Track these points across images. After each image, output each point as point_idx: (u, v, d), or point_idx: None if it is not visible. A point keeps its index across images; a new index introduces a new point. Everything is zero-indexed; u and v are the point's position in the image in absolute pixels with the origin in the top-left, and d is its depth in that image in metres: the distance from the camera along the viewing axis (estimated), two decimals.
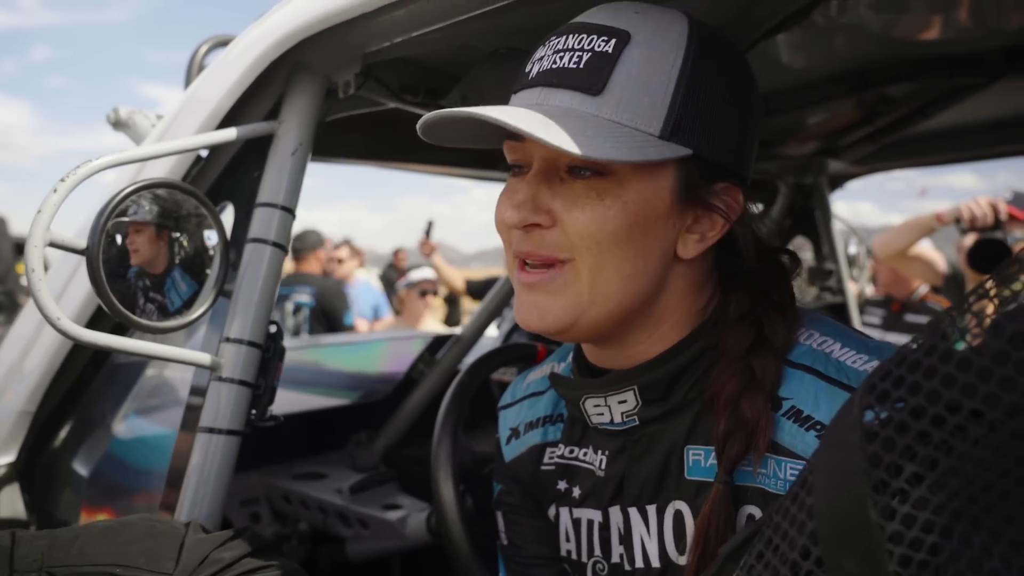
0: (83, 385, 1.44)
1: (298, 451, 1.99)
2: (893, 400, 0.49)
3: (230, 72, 1.15)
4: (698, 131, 0.77)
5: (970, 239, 2.73)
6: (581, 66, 0.75)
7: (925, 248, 3.23)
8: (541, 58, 0.80)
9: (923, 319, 3.43)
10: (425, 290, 4.95)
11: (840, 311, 2.62)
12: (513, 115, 0.71)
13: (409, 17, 1.01)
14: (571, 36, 0.78)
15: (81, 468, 1.43)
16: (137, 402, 1.49)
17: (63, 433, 1.47)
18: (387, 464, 1.97)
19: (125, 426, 1.46)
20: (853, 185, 2.71)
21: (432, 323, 5.09)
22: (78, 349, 1.36)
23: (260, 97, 1.18)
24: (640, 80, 0.75)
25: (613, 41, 0.75)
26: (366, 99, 1.25)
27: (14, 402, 1.38)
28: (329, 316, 5.11)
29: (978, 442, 0.46)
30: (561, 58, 0.77)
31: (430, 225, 5.48)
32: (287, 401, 2.13)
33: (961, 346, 0.47)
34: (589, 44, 0.76)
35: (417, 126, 0.81)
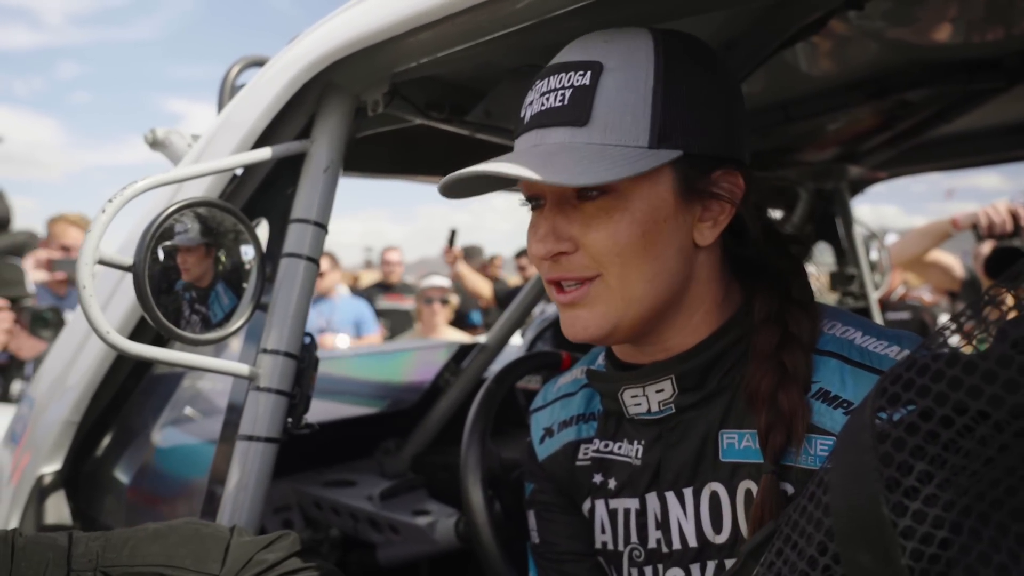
0: (124, 396, 1.50)
1: (328, 459, 2.03)
2: (903, 402, 0.51)
3: (264, 94, 1.20)
4: (684, 131, 0.82)
5: (988, 247, 2.69)
6: (566, 102, 0.82)
7: (941, 254, 3.20)
8: (531, 103, 0.87)
9: (903, 315, 3.47)
10: (430, 297, 4.93)
11: (863, 316, 2.61)
12: (515, 164, 0.79)
13: (435, 38, 1.05)
14: (552, 77, 0.85)
15: (123, 476, 1.48)
16: (175, 412, 1.54)
17: (106, 442, 1.53)
18: (415, 471, 2.01)
19: (164, 435, 1.51)
20: (877, 188, 2.70)
21: (449, 332, 5.06)
22: (120, 361, 1.42)
23: (293, 117, 1.22)
24: (619, 102, 0.81)
25: (588, 73, 0.82)
26: (394, 116, 1.29)
27: (60, 412, 1.43)
28: None
29: (984, 441, 0.48)
30: (548, 99, 0.84)
31: (453, 234, 5.49)
32: (317, 410, 2.18)
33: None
34: (568, 81, 0.83)
35: (438, 189, 0.89)
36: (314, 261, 1.17)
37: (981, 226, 2.67)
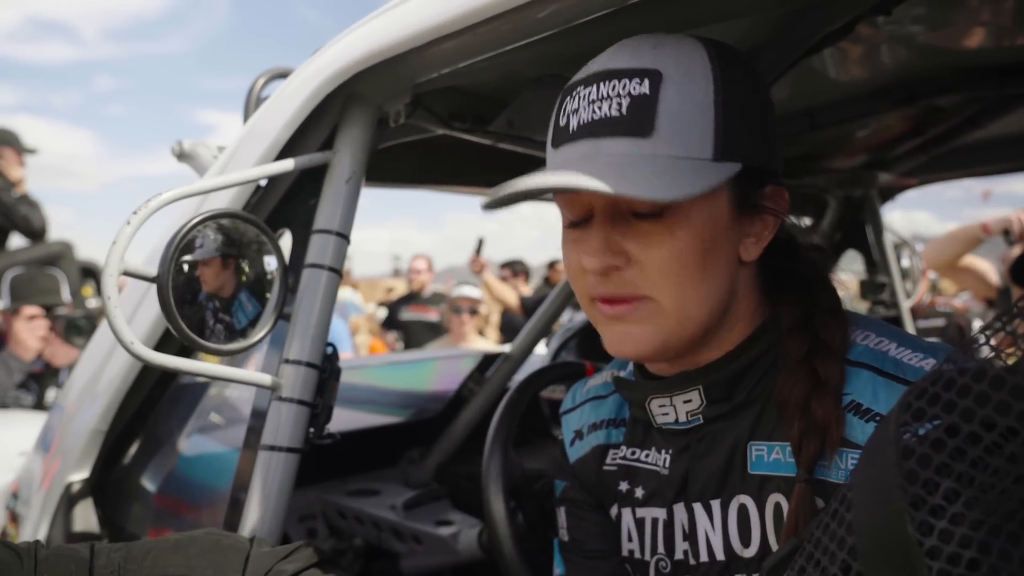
0: (151, 405, 1.51)
1: (352, 468, 2.04)
2: (929, 418, 0.50)
3: (288, 106, 1.21)
4: (741, 144, 0.80)
5: (1017, 251, 2.61)
6: (624, 112, 0.77)
7: (976, 259, 3.12)
8: (577, 111, 0.81)
9: (937, 323, 3.37)
10: (459, 307, 4.94)
11: (894, 325, 2.56)
12: (583, 176, 0.72)
13: (456, 49, 1.05)
14: (603, 84, 0.80)
15: (149, 484, 1.49)
16: (201, 421, 1.55)
17: (133, 451, 1.55)
18: (439, 481, 2.00)
19: (190, 444, 1.53)
20: (910, 194, 2.65)
21: (480, 341, 5.07)
22: (146, 370, 1.43)
23: (316, 128, 1.23)
24: (683, 112, 0.77)
25: (647, 81, 0.78)
26: (416, 127, 1.29)
27: (88, 421, 1.45)
28: None
29: (1014, 459, 0.47)
30: (599, 108, 0.79)
31: (480, 243, 5.49)
32: (342, 419, 2.18)
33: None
34: (624, 89, 0.78)
35: (484, 204, 0.80)
36: (336, 272, 1.17)
37: (1013, 231, 2.59)
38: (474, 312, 4.94)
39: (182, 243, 1.01)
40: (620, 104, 0.78)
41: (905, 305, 2.60)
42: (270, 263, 1.16)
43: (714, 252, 0.81)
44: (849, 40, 1.26)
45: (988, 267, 3.12)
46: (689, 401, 0.88)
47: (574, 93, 0.82)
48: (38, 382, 3.36)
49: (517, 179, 0.75)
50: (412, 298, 6.67)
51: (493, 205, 0.78)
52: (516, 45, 1.01)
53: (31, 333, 3.25)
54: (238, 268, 1.13)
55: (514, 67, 1.12)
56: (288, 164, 1.18)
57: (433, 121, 1.28)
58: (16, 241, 5.04)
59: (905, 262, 2.72)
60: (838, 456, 0.79)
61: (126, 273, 0.99)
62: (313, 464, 1.91)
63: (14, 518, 1.75)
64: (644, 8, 0.91)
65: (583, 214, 0.83)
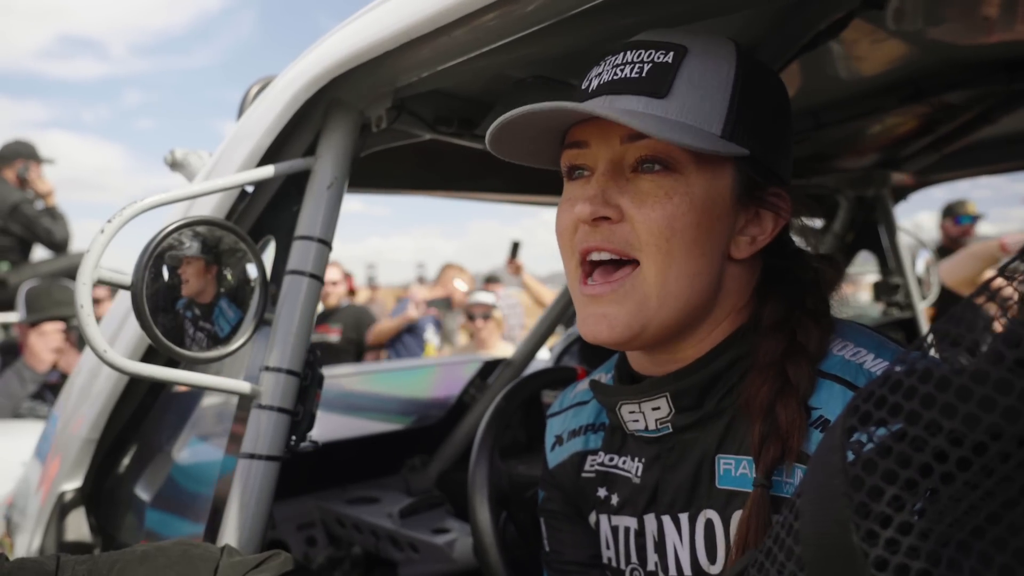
0: (143, 413, 1.51)
1: (354, 476, 2.03)
2: (875, 422, 0.47)
3: (270, 111, 1.20)
4: (754, 134, 0.80)
5: None
6: (644, 75, 0.80)
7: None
8: (600, 73, 0.84)
9: None
10: (472, 314, 4.96)
11: (909, 327, 2.51)
12: (590, 103, 0.77)
13: (434, 52, 1.04)
14: (629, 52, 0.82)
15: (142, 493, 1.49)
16: (192, 429, 1.55)
17: (125, 459, 1.55)
18: (440, 488, 1.99)
19: (181, 452, 1.52)
20: (936, 193, 2.59)
21: (504, 346, 5.06)
22: (135, 380, 1.43)
23: (299, 134, 1.22)
24: (700, 85, 0.79)
25: (672, 53, 0.80)
26: (402, 132, 1.28)
27: (81, 430, 1.46)
28: None
29: (963, 464, 0.44)
30: (622, 70, 0.81)
31: (516, 245, 5.45)
32: (343, 426, 2.19)
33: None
34: (648, 57, 0.81)
35: (487, 137, 0.84)
36: (317, 278, 1.16)
37: None
38: (487, 317, 4.94)
39: (156, 250, 1.00)
40: (642, 68, 0.80)
41: (920, 306, 2.55)
42: (252, 270, 1.15)
43: (709, 230, 0.80)
44: (852, 37, 1.23)
45: None
46: (657, 408, 0.86)
47: (602, 60, 0.85)
48: (54, 393, 3.41)
49: (523, 107, 0.78)
50: (321, 317, 5.73)
51: (493, 135, 0.82)
52: (496, 45, 0.99)
53: (44, 345, 3.30)
54: (218, 275, 1.13)
55: (498, 69, 1.10)
56: (269, 171, 1.18)
57: (419, 126, 1.27)
58: (40, 253, 5.12)
59: (920, 266, 2.66)
60: (801, 474, 0.76)
61: (100, 282, 0.98)
62: (314, 472, 1.91)
63: (9, 528, 1.77)
64: (631, 4, 0.89)
65: (583, 164, 0.84)
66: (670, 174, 0.78)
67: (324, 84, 1.14)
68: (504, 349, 4.97)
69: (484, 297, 5.11)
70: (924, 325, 2.53)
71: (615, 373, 0.97)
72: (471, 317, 4.98)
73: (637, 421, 0.89)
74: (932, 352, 0.48)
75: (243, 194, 1.30)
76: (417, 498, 1.83)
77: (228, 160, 1.26)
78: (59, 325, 3.37)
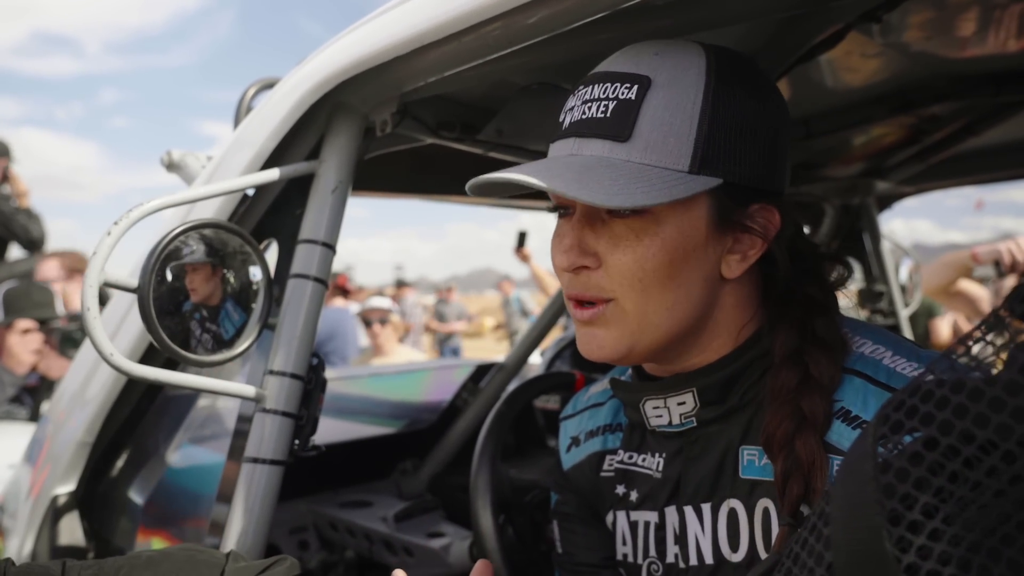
0: (138, 416, 1.50)
1: (346, 479, 2.02)
2: (907, 430, 0.49)
3: (274, 114, 1.20)
4: (726, 159, 0.79)
5: (1011, 282, 2.56)
6: (608, 115, 0.80)
7: (971, 285, 3.07)
8: (572, 108, 0.84)
9: None
10: (368, 320, 4.90)
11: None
12: (549, 174, 0.77)
13: (441, 58, 1.04)
14: (596, 86, 0.82)
15: (137, 497, 1.48)
16: (188, 433, 1.54)
17: (120, 463, 1.53)
18: (433, 492, 1.99)
19: (177, 456, 1.51)
20: (910, 203, 2.63)
21: (402, 350, 5.00)
22: (132, 382, 1.42)
23: (302, 137, 1.22)
24: (664, 121, 0.78)
25: (635, 87, 0.79)
26: (405, 136, 1.29)
27: (75, 433, 1.44)
28: None
29: (993, 473, 0.45)
30: (589, 108, 0.81)
31: (523, 235, 5.39)
32: (335, 430, 2.18)
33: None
34: (613, 92, 0.80)
35: (467, 188, 0.87)
36: (322, 282, 1.16)
37: (1004, 262, 2.52)
38: (384, 322, 4.88)
39: (163, 253, 1.00)
40: (607, 107, 0.80)
41: (903, 313, 2.59)
42: (256, 273, 1.15)
43: (683, 264, 0.81)
44: (845, 48, 1.25)
45: (982, 294, 3.06)
46: (683, 403, 0.88)
47: (575, 92, 0.85)
48: (33, 396, 3.35)
49: (494, 172, 0.80)
50: None
51: (472, 191, 0.86)
52: (503, 53, 1.00)
53: (24, 347, 3.23)
54: (223, 278, 1.12)
55: (502, 75, 1.11)
56: (274, 174, 1.17)
57: (421, 130, 1.27)
58: (15, 252, 5.03)
59: (904, 273, 2.71)
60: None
61: (107, 284, 0.97)
62: (306, 475, 1.90)
63: (0, 531, 1.74)
64: (631, 16, 0.90)
65: (563, 204, 0.86)
66: (640, 217, 0.80)
67: (330, 88, 1.14)
68: (405, 353, 4.90)
69: (379, 302, 5.06)
70: (908, 333, 2.57)
71: (632, 372, 0.99)
72: (367, 323, 4.92)
73: (661, 416, 0.91)
74: (963, 360, 0.49)
75: (244, 197, 1.29)
76: (411, 502, 1.83)
77: (231, 163, 1.25)
78: (37, 325, 3.31)
